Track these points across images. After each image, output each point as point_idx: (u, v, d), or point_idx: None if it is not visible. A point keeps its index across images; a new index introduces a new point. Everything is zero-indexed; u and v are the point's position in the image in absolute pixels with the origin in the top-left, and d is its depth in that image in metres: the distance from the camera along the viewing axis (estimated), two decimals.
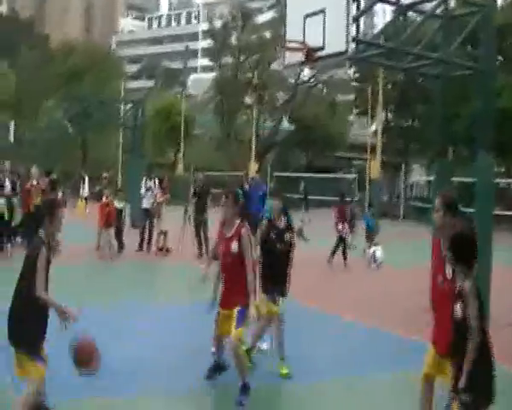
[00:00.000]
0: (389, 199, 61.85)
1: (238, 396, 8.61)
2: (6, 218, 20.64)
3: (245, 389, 8.66)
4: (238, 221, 9.00)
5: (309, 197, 50.50)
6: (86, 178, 46.10)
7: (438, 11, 14.67)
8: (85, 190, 44.33)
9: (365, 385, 9.67)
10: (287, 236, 10.13)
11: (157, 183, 25.11)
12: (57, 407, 7.46)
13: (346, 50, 12.41)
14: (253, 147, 53.61)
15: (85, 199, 43.39)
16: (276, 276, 9.88)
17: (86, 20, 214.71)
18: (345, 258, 22.67)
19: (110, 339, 10.02)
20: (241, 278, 8.75)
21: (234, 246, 8.88)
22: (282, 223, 10.21)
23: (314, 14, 12.87)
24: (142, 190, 24.98)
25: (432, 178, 48.43)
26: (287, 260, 10.10)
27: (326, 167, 68.73)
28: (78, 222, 30.33)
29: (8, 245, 20.50)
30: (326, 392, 9.54)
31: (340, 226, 22.80)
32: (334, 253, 22.69)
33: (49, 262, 7.05)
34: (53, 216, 7.17)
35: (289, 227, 10.28)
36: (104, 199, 22.81)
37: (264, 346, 10.60)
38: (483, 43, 14.71)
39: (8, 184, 21.50)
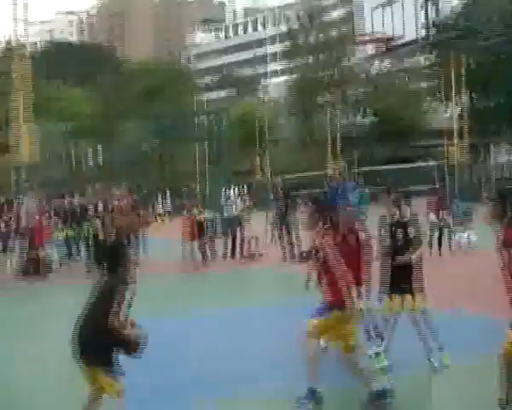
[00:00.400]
0: (478, 182, 60.44)
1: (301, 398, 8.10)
2: (100, 237, 21.04)
3: (310, 393, 8.14)
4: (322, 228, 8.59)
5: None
6: (168, 193, 46.83)
7: None
8: (168, 204, 45.09)
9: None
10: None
11: (239, 190, 25.27)
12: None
13: (424, 36, 12.23)
14: (336, 145, 53.37)
15: (167, 213, 44.08)
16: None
17: (158, 39, 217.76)
18: (440, 246, 22.07)
19: (218, 340, 10.13)
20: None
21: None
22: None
23: (387, 3, 12.76)
24: (223, 200, 25.16)
25: None
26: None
27: (411, 157, 67.95)
28: (161, 237, 30.59)
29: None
30: None
31: (432, 216, 22.24)
32: (440, 244, 22.10)
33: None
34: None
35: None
36: (186, 212, 23.08)
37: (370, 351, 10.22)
38: None
39: (100, 204, 22.11)
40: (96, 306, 7.08)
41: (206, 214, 24.93)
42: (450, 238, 22.67)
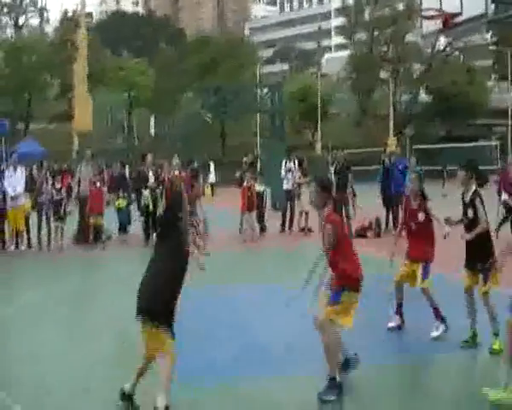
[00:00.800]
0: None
1: (322, 391, 7.81)
2: (150, 209, 21.18)
3: (331, 383, 7.85)
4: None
5: (449, 169, 48.06)
6: (212, 165, 47.11)
7: None
8: (211, 176, 45.52)
9: None
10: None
11: (297, 164, 25.12)
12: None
13: (485, 13, 11.91)
14: (391, 121, 52.87)
15: (211, 185, 44.54)
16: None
17: (219, 11, 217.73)
18: None
19: (260, 319, 10.09)
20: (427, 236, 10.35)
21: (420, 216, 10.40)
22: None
23: None
24: (283, 173, 24.99)
25: None
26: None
27: (466, 136, 67.07)
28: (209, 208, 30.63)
29: (154, 235, 20.96)
30: None
31: (505, 196, 21.14)
32: (501, 224, 20.40)
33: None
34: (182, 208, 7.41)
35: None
36: (245, 183, 23.08)
37: (435, 333, 10.11)
38: None
39: (151, 175, 21.97)
40: (163, 264, 7.26)
41: (263, 187, 25.03)
42: None
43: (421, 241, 10.36)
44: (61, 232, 21.10)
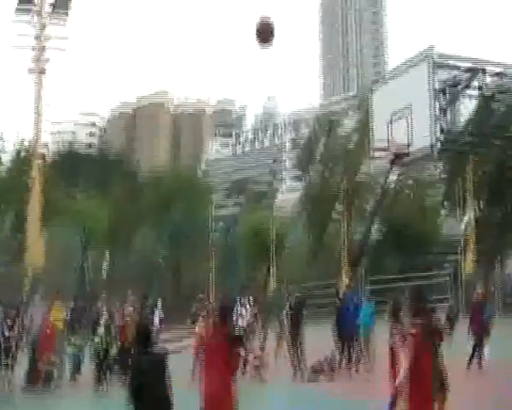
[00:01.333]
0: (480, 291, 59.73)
1: None
2: (103, 348, 20.85)
3: None
4: None
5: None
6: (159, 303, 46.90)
7: None
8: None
9: None
10: None
11: (250, 300, 25.13)
12: None
13: (434, 145, 12.34)
14: (345, 256, 53.26)
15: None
16: None
17: (174, 148, 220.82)
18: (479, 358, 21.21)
19: None
20: None
21: None
22: None
23: (399, 113, 12.92)
24: (237, 309, 24.92)
25: None
26: None
27: (419, 267, 67.70)
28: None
29: (107, 374, 20.63)
30: None
31: (475, 327, 21.45)
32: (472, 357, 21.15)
33: None
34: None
35: None
36: (197, 329, 22.18)
37: None
38: None
39: (105, 313, 21.78)
40: None
41: None
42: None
43: None
44: (7, 383, 20.46)
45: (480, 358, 21.25)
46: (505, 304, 51.07)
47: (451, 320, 29.02)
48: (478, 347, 21.33)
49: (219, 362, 8.33)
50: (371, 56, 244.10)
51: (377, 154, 13.44)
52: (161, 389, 8.06)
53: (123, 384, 19.65)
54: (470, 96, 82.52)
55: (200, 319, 22.47)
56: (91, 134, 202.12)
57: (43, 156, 59.47)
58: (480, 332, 21.56)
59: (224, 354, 8.34)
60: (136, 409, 8.23)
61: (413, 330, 8.68)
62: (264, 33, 10.55)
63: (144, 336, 8.56)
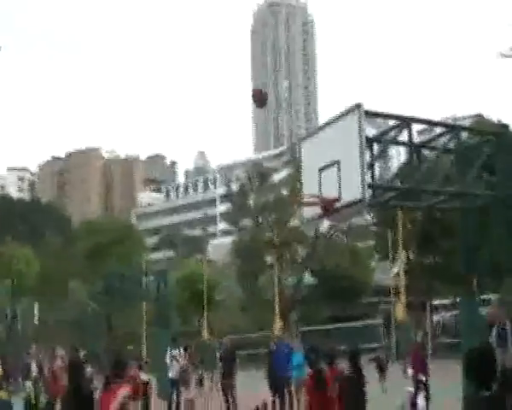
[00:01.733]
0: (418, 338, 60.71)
1: None
2: (32, 401, 20.64)
3: None
4: None
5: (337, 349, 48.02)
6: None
7: (451, 145, 14.98)
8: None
9: None
10: None
11: (182, 351, 25.08)
12: None
13: (363, 198, 12.62)
14: (277, 305, 53.55)
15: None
16: None
17: (106, 198, 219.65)
18: None
19: None
20: None
21: None
22: None
23: (329, 166, 13.21)
24: (168, 360, 24.87)
25: (458, 312, 48.32)
26: None
27: (352, 316, 68.36)
28: None
29: None
30: None
31: (420, 376, 21.27)
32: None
33: None
34: None
35: None
36: (132, 373, 22.19)
37: None
38: (499, 171, 14.88)
39: (34, 366, 21.60)
40: None
41: (148, 376, 24.62)
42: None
43: None
44: None
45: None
46: (435, 349, 52.00)
47: (382, 368, 29.44)
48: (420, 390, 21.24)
49: None
50: (302, 113, 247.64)
51: (307, 207, 13.69)
52: None
53: None
54: (398, 152, 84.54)
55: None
56: (20, 189, 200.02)
57: None
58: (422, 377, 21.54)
59: None
60: None
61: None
62: (259, 99, 12.42)
63: (76, 369, 9.30)
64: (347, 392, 11.17)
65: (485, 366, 6.11)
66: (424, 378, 21.14)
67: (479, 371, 6.10)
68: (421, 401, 21.16)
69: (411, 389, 22.00)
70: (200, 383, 27.85)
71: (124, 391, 8.69)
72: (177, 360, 24.58)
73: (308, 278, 75.72)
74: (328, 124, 13.82)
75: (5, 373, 22.38)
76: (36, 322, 64.71)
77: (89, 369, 27.16)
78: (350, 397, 11.17)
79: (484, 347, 6.70)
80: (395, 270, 61.02)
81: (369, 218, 71.20)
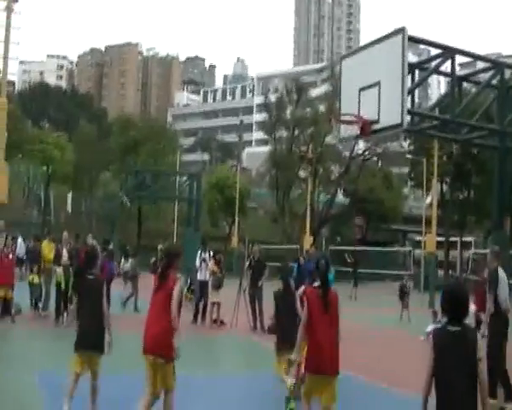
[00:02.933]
0: (446, 273, 60.83)
1: None
2: (63, 287, 20.86)
3: None
4: None
5: (360, 271, 47.91)
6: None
7: (493, 82, 14.62)
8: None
9: None
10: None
11: (211, 255, 25.10)
12: None
13: (401, 123, 12.40)
14: (308, 220, 53.40)
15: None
16: None
17: (143, 95, 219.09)
18: None
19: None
20: None
21: None
22: None
23: (369, 87, 12.94)
24: (197, 263, 24.95)
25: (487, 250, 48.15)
26: None
27: (381, 241, 68.43)
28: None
29: (65, 314, 20.64)
30: None
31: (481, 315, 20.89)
32: None
33: None
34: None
35: None
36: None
37: None
38: None
39: (65, 253, 21.69)
40: None
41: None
42: None
43: None
44: None
45: None
46: (464, 281, 51.75)
47: (404, 295, 29.41)
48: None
49: (160, 307, 9.14)
50: (344, 30, 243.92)
51: (344, 125, 13.44)
52: (96, 310, 9.50)
53: None
54: (438, 83, 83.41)
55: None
56: (59, 77, 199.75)
57: (8, 92, 58.61)
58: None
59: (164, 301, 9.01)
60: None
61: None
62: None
63: (92, 258, 10.09)
64: (278, 309, 12.23)
65: (455, 302, 6.52)
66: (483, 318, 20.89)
67: (449, 306, 6.54)
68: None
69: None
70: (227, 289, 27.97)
71: (179, 281, 9.44)
72: (207, 263, 24.60)
73: (340, 197, 75.68)
74: (370, 44, 13.48)
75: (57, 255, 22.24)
76: (69, 210, 65.37)
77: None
78: (280, 314, 12.18)
79: (457, 283, 7.52)
80: (428, 200, 60.58)
81: (405, 145, 70.63)
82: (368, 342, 19.83)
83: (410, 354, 19.96)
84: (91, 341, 9.47)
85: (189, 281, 27.81)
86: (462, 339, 6.42)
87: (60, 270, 21.21)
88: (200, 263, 24.78)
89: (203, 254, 24.96)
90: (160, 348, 8.77)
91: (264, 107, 77.43)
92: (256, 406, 11.64)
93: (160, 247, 27.97)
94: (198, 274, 24.83)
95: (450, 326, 6.47)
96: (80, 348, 9.49)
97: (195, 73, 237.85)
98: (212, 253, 25.28)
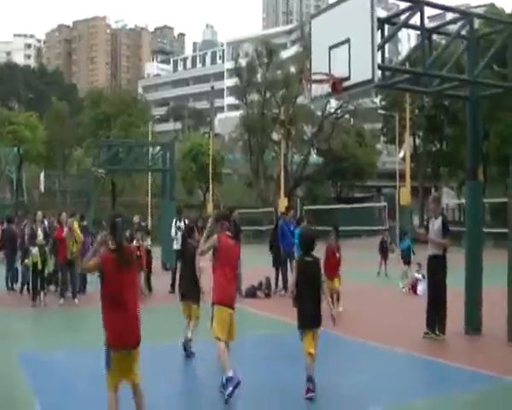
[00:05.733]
0: (421, 224, 61.27)
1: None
2: (39, 267, 20.71)
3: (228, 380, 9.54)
4: None
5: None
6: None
7: (463, 32, 14.65)
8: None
9: None
10: None
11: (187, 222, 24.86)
12: None
13: (373, 78, 12.40)
14: (282, 182, 53.52)
15: None
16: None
17: (113, 68, 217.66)
18: None
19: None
20: None
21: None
22: None
23: (339, 44, 12.91)
24: (173, 232, 24.85)
25: (463, 200, 48.58)
26: None
27: (356, 198, 68.65)
28: None
29: (41, 294, 20.52)
30: None
31: None
32: None
33: None
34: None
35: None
36: (135, 243, 22.03)
37: None
38: (511, 62, 14.63)
39: (40, 232, 21.54)
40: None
41: (150, 243, 24.65)
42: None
43: None
44: None
45: None
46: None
47: (384, 251, 29.57)
48: None
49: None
50: None
51: (315, 84, 13.35)
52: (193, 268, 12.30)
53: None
54: (408, 37, 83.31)
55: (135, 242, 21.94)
56: (27, 56, 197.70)
57: None
58: None
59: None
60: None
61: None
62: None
63: (190, 229, 13.63)
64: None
65: (309, 241, 10.16)
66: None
67: (305, 244, 10.22)
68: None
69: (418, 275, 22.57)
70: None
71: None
72: (181, 231, 24.44)
73: (314, 157, 75.78)
74: (339, 1, 13.44)
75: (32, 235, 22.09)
76: (42, 190, 64.96)
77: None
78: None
79: (309, 228, 12.14)
80: (401, 154, 60.91)
81: (377, 101, 70.77)
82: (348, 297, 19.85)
83: (390, 307, 20.15)
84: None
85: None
86: (313, 265, 9.94)
87: (35, 250, 21.02)
88: (176, 232, 24.65)
89: (178, 223, 24.82)
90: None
91: (235, 71, 77.05)
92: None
93: (135, 219, 27.81)
94: (174, 243, 24.67)
95: (306, 257, 9.96)
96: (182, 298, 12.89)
97: (165, 43, 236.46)
98: (186, 221, 25.03)
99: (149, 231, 27.88)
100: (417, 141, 65.47)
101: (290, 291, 11.59)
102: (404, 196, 44.27)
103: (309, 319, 9.75)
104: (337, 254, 18.05)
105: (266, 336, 15.40)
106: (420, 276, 22.41)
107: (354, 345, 14.22)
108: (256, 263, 26.68)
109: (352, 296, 20.21)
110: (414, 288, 22.69)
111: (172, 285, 23.38)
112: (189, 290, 12.55)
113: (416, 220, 58.91)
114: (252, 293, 22.17)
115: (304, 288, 9.87)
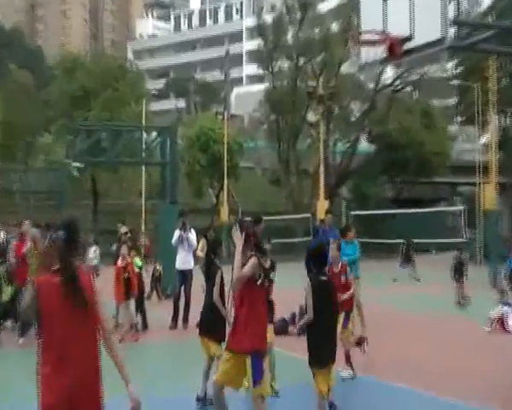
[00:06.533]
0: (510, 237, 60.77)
1: None
2: None
3: None
4: None
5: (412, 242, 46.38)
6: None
7: None
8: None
9: None
10: None
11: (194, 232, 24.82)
12: None
13: (444, 38, 12.29)
14: (322, 179, 53.36)
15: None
16: None
17: (93, 26, 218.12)
18: None
19: None
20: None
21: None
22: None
23: None
24: (174, 241, 24.56)
25: None
26: None
27: (421, 199, 68.34)
28: None
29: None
30: None
31: None
32: None
33: None
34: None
35: None
36: (120, 262, 21.27)
37: None
38: None
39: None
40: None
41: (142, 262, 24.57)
42: None
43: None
44: None
45: None
46: None
47: (461, 270, 29.22)
48: None
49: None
50: None
51: (366, 47, 13.17)
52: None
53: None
54: None
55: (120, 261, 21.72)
56: None
57: None
58: None
59: None
60: None
61: None
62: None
63: (217, 244, 15.29)
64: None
65: (323, 259, 11.79)
66: None
67: (318, 262, 11.60)
68: None
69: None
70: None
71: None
72: (188, 243, 24.33)
73: (364, 145, 75.59)
74: None
75: None
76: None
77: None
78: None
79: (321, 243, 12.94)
80: (484, 140, 60.57)
81: (449, 68, 70.38)
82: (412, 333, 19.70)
83: (462, 348, 20.01)
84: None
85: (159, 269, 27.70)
86: (329, 286, 11.34)
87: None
88: (180, 246, 24.49)
89: (183, 234, 24.54)
90: None
91: (258, 31, 77.05)
92: None
93: (122, 228, 27.86)
94: (177, 261, 24.55)
95: (321, 276, 11.30)
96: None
97: None
98: (193, 231, 24.94)
99: (138, 246, 27.80)
100: (507, 121, 64.99)
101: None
102: (489, 196, 43.94)
103: (326, 353, 10.35)
104: None
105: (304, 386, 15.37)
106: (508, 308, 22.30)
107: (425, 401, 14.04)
108: (286, 286, 26.68)
109: (419, 332, 20.15)
110: (502, 322, 22.51)
111: (174, 316, 23.39)
112: (210, 323, 13.19)
113: (504, 229, 58.52)
114: (282, 329, 21.90)
115: (319, 314, 10.46)
